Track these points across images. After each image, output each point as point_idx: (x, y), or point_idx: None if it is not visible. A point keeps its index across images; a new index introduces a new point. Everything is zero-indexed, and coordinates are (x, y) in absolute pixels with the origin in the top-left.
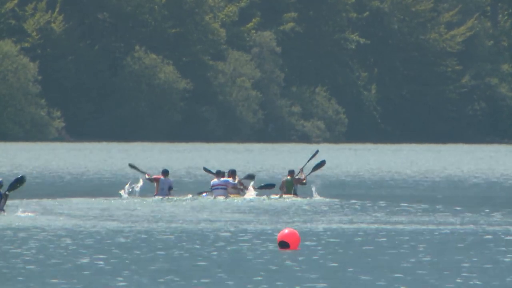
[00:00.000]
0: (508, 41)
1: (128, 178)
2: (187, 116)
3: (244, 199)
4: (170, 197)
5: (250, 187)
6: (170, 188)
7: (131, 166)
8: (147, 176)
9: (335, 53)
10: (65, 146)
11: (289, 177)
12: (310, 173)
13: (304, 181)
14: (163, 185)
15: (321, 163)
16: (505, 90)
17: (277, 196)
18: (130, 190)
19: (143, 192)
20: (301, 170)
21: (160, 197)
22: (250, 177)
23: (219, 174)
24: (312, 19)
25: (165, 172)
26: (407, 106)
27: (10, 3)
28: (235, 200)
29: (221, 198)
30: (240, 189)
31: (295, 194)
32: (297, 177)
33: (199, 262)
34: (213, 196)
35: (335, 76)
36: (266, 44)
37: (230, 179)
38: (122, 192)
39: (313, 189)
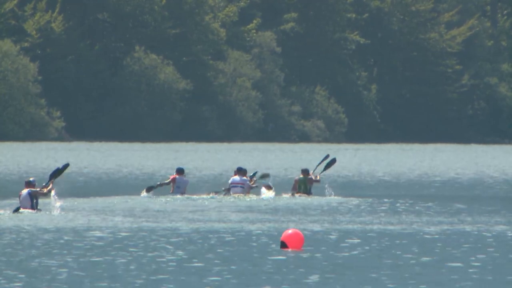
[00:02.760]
0: (508, 41)
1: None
2: (187, 116)
3: (257, 198)
4: (186, 196)
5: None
6: (185, 186)
7: (150, 189)
8: (158, 184)
9: (335, 53)
10: (65, 146)
11: (301, 176)
12: (322, 172)
13: (317, 179)
14: (178, 183)
15: (332, 161)
16: (505, 90)
17: (289, 195)
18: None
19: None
20: (312, 173)
21: (177, 195)
22: (265, 176)
23: (240, 172)
24: (312, 19)
25: (180, 171)
26: (407, 106)
27: (10, 3)
28: (248, 199)
29: (238, 195)
30: (251, 188)
31: (309, 193)
32: (309, 177)
33: (202, 261)
34: (231, 194)
35: (335, 76)
36: (266, 44)
37: (245, 178)
38: (142, 193)
39: (327, 189)
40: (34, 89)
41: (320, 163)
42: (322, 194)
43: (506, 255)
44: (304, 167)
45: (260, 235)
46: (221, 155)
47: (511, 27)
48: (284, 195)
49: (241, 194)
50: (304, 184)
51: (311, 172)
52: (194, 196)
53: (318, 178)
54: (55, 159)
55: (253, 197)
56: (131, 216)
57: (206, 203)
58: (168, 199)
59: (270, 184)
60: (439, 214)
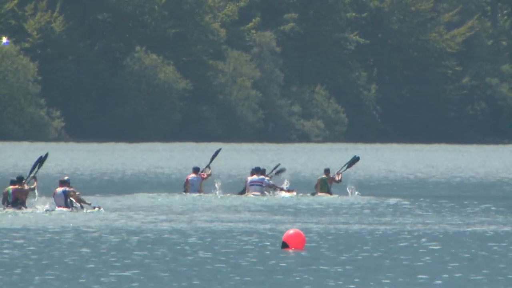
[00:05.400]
0: (508, 41)
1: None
2: (187, 116)
3: (272, 197)
4: (202, 194)
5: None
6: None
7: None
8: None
9: (335, 53)
10: (66, 146)
11: (324, 176)
12: (344, 170)
13: (338, 179)
14: (192, 182)
15: (355, 159)
16: (505, 90)
17: (310, 194)
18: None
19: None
20: (338, 173)
21: (194, 194)
22: (281, 171)
23: (258, 171)
24: (312, 19)
25: (196, 170)
26: (407, 106)
27: (10, 3)
28: (263, 198)
29: (256, 194)
30: (271, 187)
31: (329, 192)
32: (331, 176)
33: (203, 260)
34: (249, 193)
35: (335, 76)
36: (266, 44)
37: (265, 178)
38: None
39: (349, 190)
40: (34, 89)
41: (347, 165)
42: (344, 193)
43: (506, 254)
44: (326, 166)
45: (262, 235)
46: (222, 155)
47: (511, 27)
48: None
49: (259, 193)
50: (326, 184)
51: (336, 172)
52: (207, 194)
53: (339, 177)
54: (58, 159)
55: (268, 196)
56: (134, 215)
57: (209, 202)
58: (169, 198)
59: (286, 187)
60: (440, 213)
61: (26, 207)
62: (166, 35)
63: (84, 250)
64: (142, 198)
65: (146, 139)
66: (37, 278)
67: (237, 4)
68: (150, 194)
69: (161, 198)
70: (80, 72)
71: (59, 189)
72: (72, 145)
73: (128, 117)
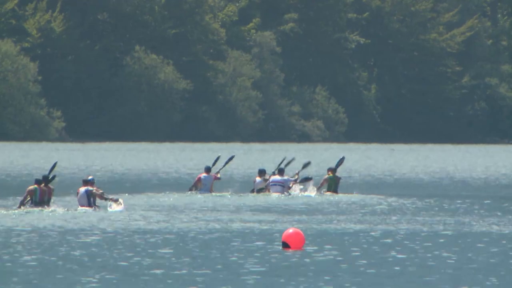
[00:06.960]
0: (508, 41)
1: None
2: (187, 116)
3: (289, 196)
4: (213, 194)
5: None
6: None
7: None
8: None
9: (335, 53)
10: (66, 146)
11: (330, 175)
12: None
13: (219, 177)
14: (205, 181)
15: (341, 160)
16: (505, 90)
17: (314, 194)
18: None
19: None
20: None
21: (205, 194)
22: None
23: (281, 171)
24: (312, 19)
25: (207, 169)
26: (407, 106)
27: (10, 3)
28: (265, 198)
29: (277, 194)
30: (289, 188)
31: (336, 191)
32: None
33: (203, 260)
34: (270, 192)
35: (335, 76)
36: (266, 44)
37: (287, 177)
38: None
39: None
40: (34, 89)
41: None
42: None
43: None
44: (332, 166)
45: (262, 235)
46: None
47: (511, 27)
48: (307, 193)
49: (280, 193)
50: (333, 182)
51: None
52: (221, 194)
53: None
54: (59, 159)
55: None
56: (137, 215)
57: (210, 202)
58: (170, 197)
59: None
60: (440, 213)
61: (49, 206)
62: (166, 35)
63: (95, 249)
64: (144, 198)
65: (146, 139)
66: (49, 277)
67: (237, 4)
68: (151, 194)
69: (164, 198)
70: (80, 72)
71: (82, 189)
72: (72, 145)
73: (128, 117)
